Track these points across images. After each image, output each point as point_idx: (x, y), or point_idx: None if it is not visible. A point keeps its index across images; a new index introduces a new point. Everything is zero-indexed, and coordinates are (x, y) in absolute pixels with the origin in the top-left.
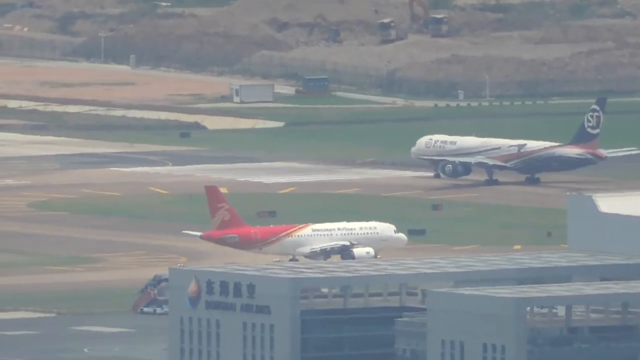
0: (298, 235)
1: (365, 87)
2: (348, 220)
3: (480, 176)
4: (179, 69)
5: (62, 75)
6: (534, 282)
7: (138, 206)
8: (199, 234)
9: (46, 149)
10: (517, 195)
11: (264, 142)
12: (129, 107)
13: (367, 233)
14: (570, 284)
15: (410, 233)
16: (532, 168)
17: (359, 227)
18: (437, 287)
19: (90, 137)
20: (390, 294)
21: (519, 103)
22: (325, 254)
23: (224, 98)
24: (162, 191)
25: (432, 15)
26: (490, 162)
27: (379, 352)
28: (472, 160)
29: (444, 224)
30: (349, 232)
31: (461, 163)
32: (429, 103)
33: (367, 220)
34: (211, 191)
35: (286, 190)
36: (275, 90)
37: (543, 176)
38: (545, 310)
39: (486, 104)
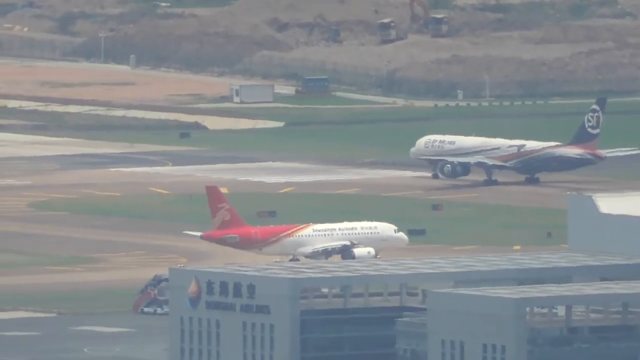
0: (299, 236)
1: (365, 87)
2: (348, 221)
3: (479, 176)
4: (179, 69)
5: (62, 75)
6: (534, 282)
7: (138, 206)
8: (199, 234)
9: (46, 149)
10: (517, 195)
11: (264, 142)
12: (129, 107)
13: (368, 233)
14: (570, 284)
15: (410, 233)
16: (531, 168)
17: (359, 227)
18: (437, 287)
19: (90, 137)
20: (391, 294)
21: (519, 103)
22: (326, 254)
23: (224, 98)
24: (162, 191)
25: (432, 15)
26: (490, 162)
27: (379, 352)
28: (471, 160)
29: (444, 224)
30: (350, 232)
31: (460, 163)
32: (429, 103)
33: (368, 220)
34: (212, 191)
35: (286, 190)
36: (275, 91)
37: (542, 176)
38: (545, 311)
39: (486, 104)
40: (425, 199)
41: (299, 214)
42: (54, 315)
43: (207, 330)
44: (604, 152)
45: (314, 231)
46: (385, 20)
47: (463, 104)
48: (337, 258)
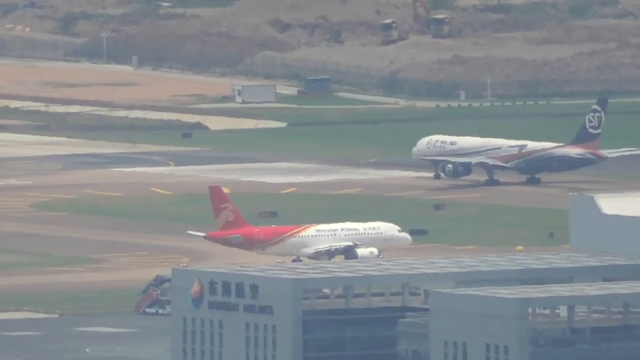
0: (302, 236)
1: (367, 88)
2: (350, 221)
3: (480, 176)
4: (181, 70)
5: (64, 75)
6: (536, 282)
7: (140, 207)
8: (202, 234)
9: (48, 149)
10: (518, 195)
11: (266, 142)
12: (131, 107)
13: (371, 233)
14: (572, 284)
15: (413, 233)
16: (532, 168)
17: (362, 227)
18: (439, 288)
19: (92, 138)
20: (393, 294)
21: (521, 103)
22: (329, 254)
23: (226, 98)
24: (164, 191)
25: (434, 16)
26: (491, 162)
27: (381, 353)
28: (472, 160)
29: (446, 224)
30: (353, 232)
31: (462, 163)
32: (430, 103)
33: (370, 220)
34: (215, 191)
35: (288, 191)
36: (277, 91)
37: (544, 176)
38: (547, 311)
39: (488, 104)
40: (427, 199)
41: (300, 215)
42: (56, 315)
43: (210, 331)
44: (605, 152)
45: (317, 232)
46: (387, 21)
47: (465, 104)
48: (340, 258)
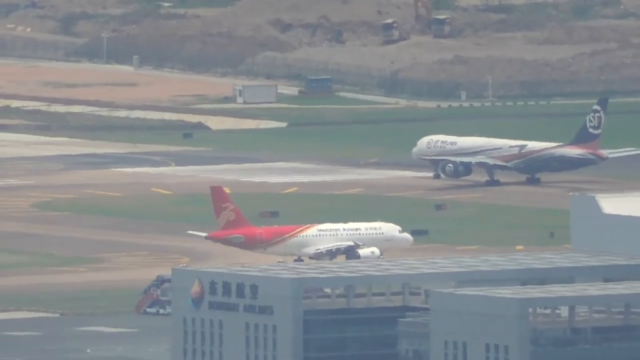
0: (303, 236)
1: (368, 88)
2: (351, 221)
3: (480, 176)
4: (182, 70)
5: (65, 75)
6: (537, 282)
7: (141, 207)
8: (204, 234)
9: (49, 149)
10: (519, 195)
11: (267, 142)
12: (132, 107)
13: (372, 233)
14: (573, 284)
15: (413, 233)
16: (533, 168)
17: (364, 227)
18: (440, 288)
19: (93, 138)
20: (393, 294)
21: (522, 104)
22: (331, 254)
23: (227, 98)
24: (165, 191)
25: (435, 16)
26: (491, 162)
27: (382, 353)
28: (473, 160)
29: (446, 225)
30: (355, 232)
31: (462, 163)
32: (431, 104)
33: (371, 220)
34: (216, 191)
35: (289, 191)
36: (278, 91)
37: (544, 176)
38: (548, 311)
39: (489, 104)
40: (428, 199)
41: (301, 215)
42: (56, 315)
43: (210, 331)
44: (605, 153)
45: (318, 232)
46: (388, 21)
47: (466, 104)
48: (341, 259)
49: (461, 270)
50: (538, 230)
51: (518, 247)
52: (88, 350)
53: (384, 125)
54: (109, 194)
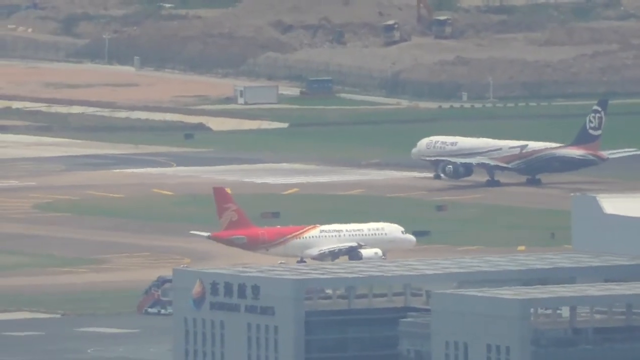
0: (306, 237)
1: (369, 89)
2: (352, 222)
3: (480, 177)
4: (183, 71)
5: (66, 76)
6: (538, 283)
7: (142, 207)
8: (206, 234)
9: (50, 150)
10: (520, 196)
11: (268, 143)
12: (133, 108)
13: (375, 234)
14: (574, 285)
15: (415, 234)
16: (533, 169)
17: (367, 228)
18: (441, 288)
19: (94, 139)
20: (395, 295)
21: (523, 104)
22: (333, 255)
23: (229, 99)
24: (166, 192)
25: (436, 17)
26: (492, 162)
27: (383, 353)
28: (473, 161)
29: (448, 225)
30: (357, 233)
31: (463, 164)
32: (433, 104)
33: (372, 221)
34: (219, 192)
35: (290, 191)
36: (279, 92)
37: (544, 177)
38: (549, 312)
39: (490, 105)
40: (429, 200)
41: (303, 215)
42: (58, 316)
43: (211, 332)
44: (605, 153)
45: (321, 232)
46: (389, 22)
47: (467, 105)
48: (344, 259)
49: (462, 270)
50: (539, 230)
51: (519, 248)
52: (89, 351)
53: (385, 126)
54: (110, 195)
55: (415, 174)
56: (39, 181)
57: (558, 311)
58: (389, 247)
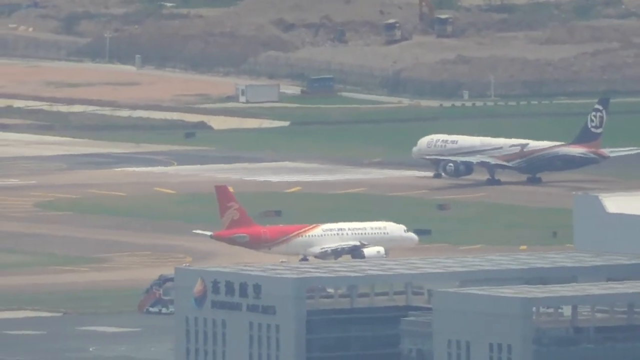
0: (308, 235)
1: (371, 87)
2: (354, 220)
3: (481, 176)
4: (184, 69)
5: (68, 75)
6: (540, 282)
7: (143, 206)
8: (209, 233)
9: (52, 149)
10: (521, 195)
11: (269, 142)
12: (134, 107)
13: (378, 233)
14: (576, 284)
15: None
16: (534, 167)
17: (369, 227)
18: (443, 287)
19: (95, 137)
20: (396, 294)
21: (524, 103)
22: (336, 254)
23: (230, 98)
24: (167, 191)
25: (437, 16)
26: (493, 161)
27: (385, 352)
28: (474, 159)
29: (449, 224)
30: (360, 232)
31: (463, 162)
32: (434, 103)
33: (374, 220)
34: (221, 191)
35: (292, 190)
36: (281, 90)
37: (545, 176)
38: (551, 310)
39: (491, 104)
40: (431, 199)
41: (304, 214)
42: (59, 314)
43: (213, 330)
44: (607, 152)
45: (323, 231)
46: (391, 21)
47: (468, 104)
48: (346, 258)
49: (464, 269)
50: (541, 229)
51: (521, 247)
52: (91, 350)
53: (386, 125)
54: (112, 193)
55: (416, 172)
56: (40, 180)
57: (560, 310)
58: (391, 246)
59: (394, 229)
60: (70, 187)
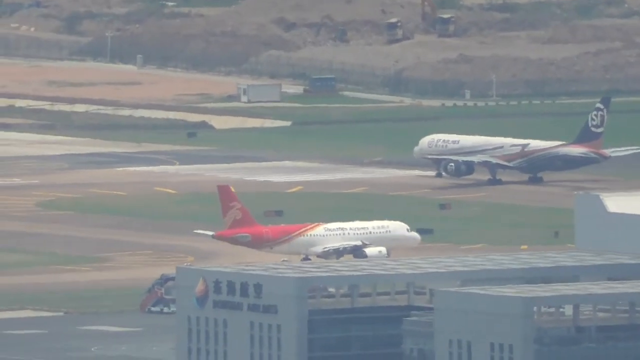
0: (310, 235)
1: (372, 87)
2: (356, 219)
3: (482, 175)
4: (186, 69)
5: (69, 74)
6: (542, 281)
7: (145, 206)
8: (210, 233)
9: (53, 148)
10: (522, 194)
11: (271, 141)
12: (136, 106)
13: (380, 232)
14: (577, 283)
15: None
16: (536, 167)
17: (371, 226)
18: (444, 287)
19: (97, 137)
20: (398, 293)
21: (526, 103)
22: (338, 253)
23: (231, 97)
24: (169, 191)
25: (439, 15)
26: (494, 161)
27: (386, 352)
28: (475, 159)
29: (451, 224)
30: (362, 231)
31: (465, 162)
32: (436, 102)
33: (376, 219)
34: (223, 190)
35: (293, 190)
36: (282, 90)
37: (546, 175)
38: (552, 310)
39: (493, 103)
40: (432, 198)
41: (306, 214)
42: (61, 314)
43: (214, 330)
44: (608, 151)
45: (325, 231)
46: (392, 20)
47: (470, 103)
48: (349, 258)
49: (466, 269)
50: (542, 229)
51: (523, 247)
52: (92, 349)
53: (388, 124)
54: (113, 193)
55: (418, 172)
56: (41, 179)
57: (561, 309)
58: (394, 245)
59: (397, 228)
60: (71, 187)
